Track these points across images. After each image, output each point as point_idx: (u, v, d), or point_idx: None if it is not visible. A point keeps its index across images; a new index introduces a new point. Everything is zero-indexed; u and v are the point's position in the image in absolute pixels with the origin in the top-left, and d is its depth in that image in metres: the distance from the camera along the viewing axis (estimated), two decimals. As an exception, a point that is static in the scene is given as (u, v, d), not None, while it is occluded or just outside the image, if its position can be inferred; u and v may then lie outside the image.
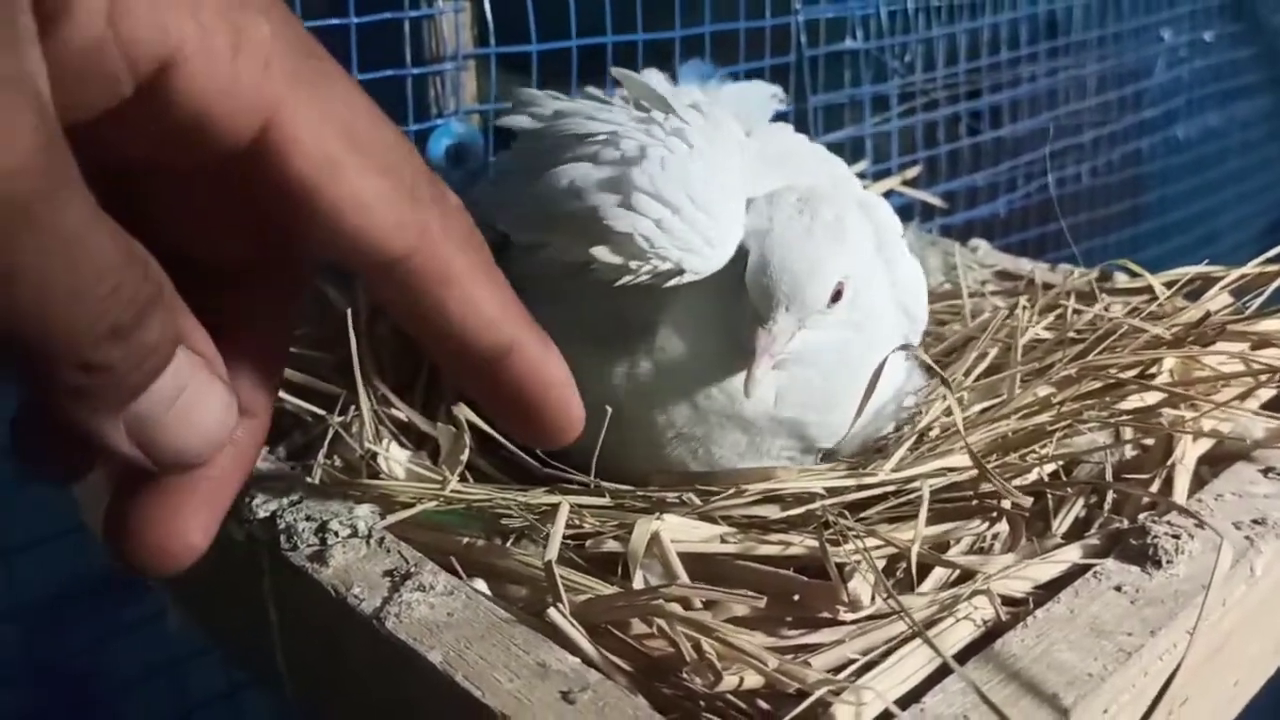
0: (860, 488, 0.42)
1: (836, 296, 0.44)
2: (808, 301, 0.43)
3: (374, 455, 0.44)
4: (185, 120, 0.19)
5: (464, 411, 0.46)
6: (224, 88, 0.19)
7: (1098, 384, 0.48)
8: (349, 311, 0.47)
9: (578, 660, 0.35)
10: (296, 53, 0.21)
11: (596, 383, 0.45)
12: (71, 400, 0.19)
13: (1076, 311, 0.55)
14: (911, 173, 0.87)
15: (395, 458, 0.45)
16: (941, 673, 0.34)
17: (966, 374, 0.50)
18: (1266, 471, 0.45)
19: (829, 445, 0.47)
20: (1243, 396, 0.48)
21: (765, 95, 0.68)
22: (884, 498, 0.42)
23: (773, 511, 0.41)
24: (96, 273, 0.18)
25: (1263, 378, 0.48)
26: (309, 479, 0.44)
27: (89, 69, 0.18)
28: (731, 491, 0.42)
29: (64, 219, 0.17)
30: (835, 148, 0.65)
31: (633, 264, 0.44)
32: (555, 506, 0.40)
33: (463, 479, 0.44)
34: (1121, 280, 0.62)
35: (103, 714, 0.82)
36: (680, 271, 0.44)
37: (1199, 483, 0.45)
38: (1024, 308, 0.54)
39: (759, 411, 0.45)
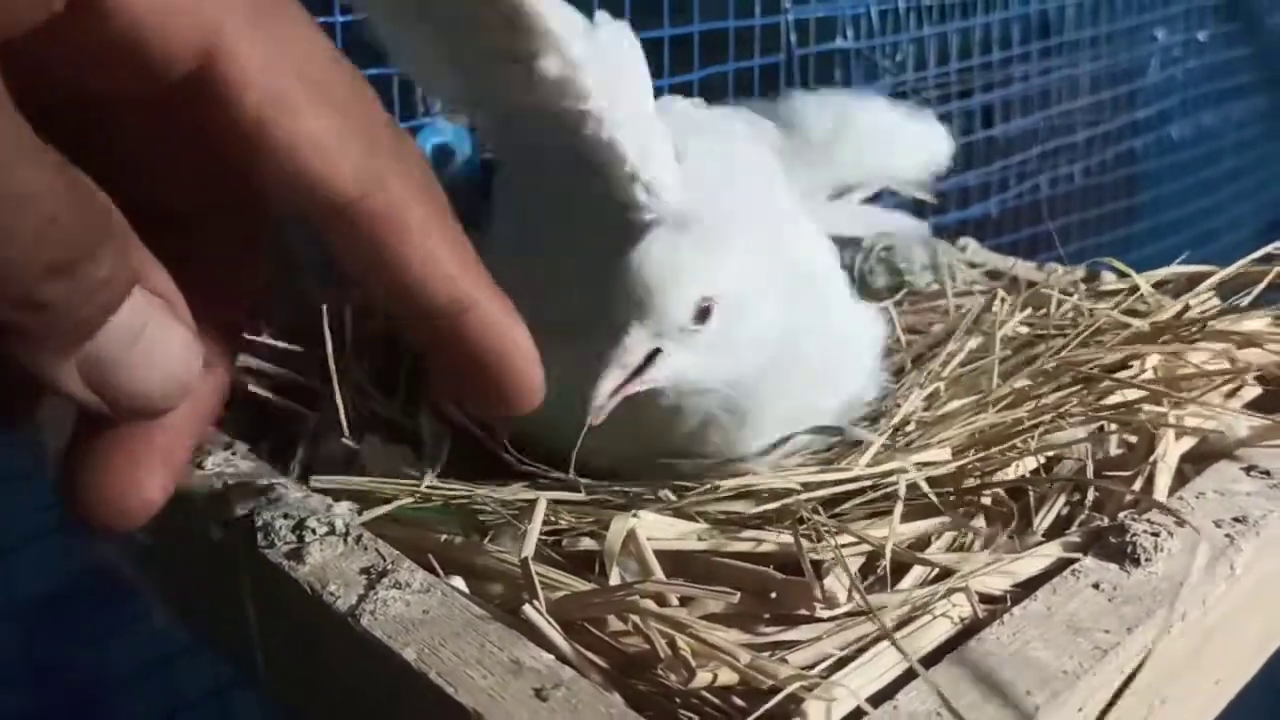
0: (836, 483, 0.42)
1: (704, 315, 0.40)
2: (661, 311, 0.39)
3: (353, 452, 0.44)
4: (119, 38, 0.18)
5: (446, 407, 0.46)
6: (160, 5, 0.18)
7: (1078, 381, 0.47)
8: (323, 307, 0.47)
9: (552, 657, 0.35)
10: None
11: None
12: (15, 341, 0.18)
13: (1059, 306, 0.55)
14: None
15: (374, 454, 0.45)
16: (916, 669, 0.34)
17: (943, 365, 0.50)
18: (1249, 470, 0.45)
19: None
20: (1226, 395, 0.48)
21: None
22: (862, 491, 0.42)
23: (748, 507, 0.41)
24: (28, 200, 0.16)
25: (1247, 376, 0.48)
26: (287, 476, 0.44)
27: None
28: (707, 487, 0.42)
29: None
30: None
31: (575, 81, 0.39)
32: (532, 503, 0.40)
33: (442, 475, 0.44)
34: (1109, 279, 0.62)
35: (101, 713, 0.82)
36: (613, 125, 0.40)
37: (1181, 480, 0.45)
38: (1001, 299, 0.54)
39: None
